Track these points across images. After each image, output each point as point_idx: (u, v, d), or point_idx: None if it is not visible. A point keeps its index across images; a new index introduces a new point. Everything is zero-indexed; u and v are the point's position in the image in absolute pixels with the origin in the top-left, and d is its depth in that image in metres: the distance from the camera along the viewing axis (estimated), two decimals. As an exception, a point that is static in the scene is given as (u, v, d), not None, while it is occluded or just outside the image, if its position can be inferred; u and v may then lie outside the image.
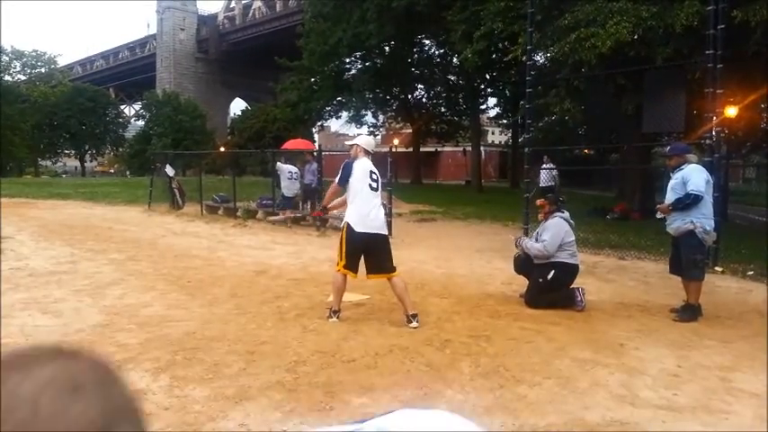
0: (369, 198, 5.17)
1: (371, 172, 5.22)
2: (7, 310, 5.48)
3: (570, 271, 5.93)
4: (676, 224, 5.53)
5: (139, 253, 9.27)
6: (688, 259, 5.49)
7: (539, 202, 6.38)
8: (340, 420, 3.15)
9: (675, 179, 5.60)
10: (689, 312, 5.45)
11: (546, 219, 6.12)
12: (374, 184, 5.18)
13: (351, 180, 5.19)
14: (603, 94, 10.84)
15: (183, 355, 4.22)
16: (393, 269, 5.15)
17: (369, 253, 5.15)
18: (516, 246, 6.34)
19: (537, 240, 6.04)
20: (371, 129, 43.56)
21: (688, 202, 5.39)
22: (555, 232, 5.90)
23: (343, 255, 5.16)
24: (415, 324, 5.01)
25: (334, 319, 5.18)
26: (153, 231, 12.50)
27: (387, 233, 5.19)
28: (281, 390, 3.59)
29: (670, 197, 5.61)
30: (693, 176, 5.45)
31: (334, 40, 28.50)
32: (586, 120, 11.60)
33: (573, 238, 6.04)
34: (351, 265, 5.16)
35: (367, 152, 5.36)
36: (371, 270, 5.19)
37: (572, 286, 5.89)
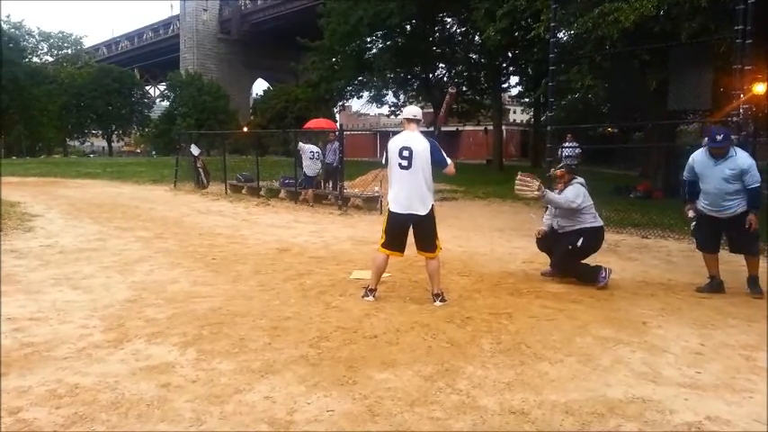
0: (399, 177, 5.04)
1: (402, 149, 4.99)
2: (39, 286, 5.65)
3: (597, 234, 5.95)
4: (734, 208, 5.40)
5: (166, 231, 9.43)
6: (753, 236, 5.50)
7: (558, 172, 6.28)
8: (363, 395, 3.21)
9: (732, 170, 5.33)
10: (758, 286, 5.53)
11: (565, 186, 6.03)
12: (404, 162, 4.96)
13: (388, 160, 5.11)
14: (627, 70, 10.62)
15: (209, 330, 4.32)
16: (433, 250, 5.11)
17: (414, 232, 5.14)
18: (539, 192, 5.94)
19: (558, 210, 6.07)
20: (392, 108, 43.43)
21: (760, 196, 5.30)
22: (576, 191, 5.87)
23: (384, 234, 5.18)
24: (438, 303, 5.06)
25: (370, 297, 5.18)
26: (179, 210, 12.70)
27: (425, 213, 5.01)
28: (304, 364, 3.67)
29: (726, 188, 5.38)
30: (752, 167, 5.33)
31: (356, 19, 28.30)
32: (609, 97, 11.42)
33: (591, 201, 6.01)
34: (390, 245, 5.13)
35: (411, 121, 5.14)
36: (418, 247, 5.18)
37: (600, 265, 5.88)
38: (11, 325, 4.39)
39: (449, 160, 5.14)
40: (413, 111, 5.29)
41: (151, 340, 4.10)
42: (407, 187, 5.01)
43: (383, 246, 5.17)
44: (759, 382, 3.48)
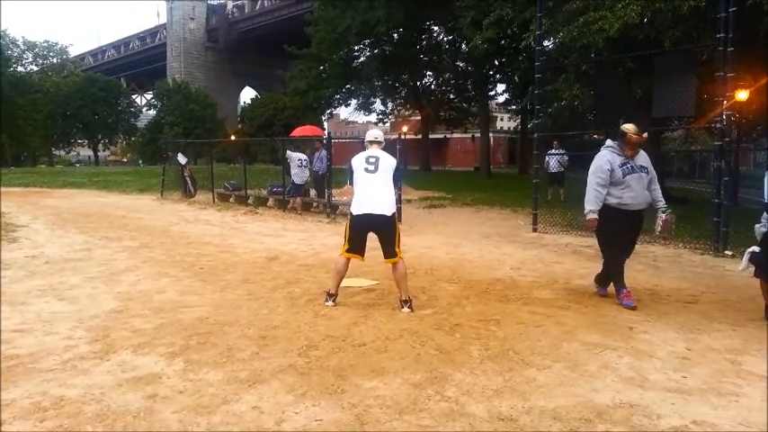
0: (365, 180, 5.19)
1: (368, 157, 5.25)
2: (24, 297, 5.59)
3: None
4: None
5: (153, 240, 9.37)
6: None
7: (640, 137, 5.19)
8: (352, 403, 3.21)
9: None
10: None
11: (637, 152, 5.25)
12: (370, 167, 5.17)
13: (354, 173, 5.31)
14: (613, 78, 10.75)
15: (196, 340, 4.29)
16: (395, 254, 5.14)
17: (377, 235, 5.19)
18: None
19: (648, 177, 5.29)
20: (380, 116, 43.58)
21: None
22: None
23: (346, 239, 5.24)
24: (406, 309, 5.05)
25: (330, 303, 5.23)
26: (166, 219, 12.63)
27: (390, 214, 5.11)
28: (293, 373, 3.65)
29: None
30: None
31: (343, 28, 28.44)
32: (595, 105, 11.55)
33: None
34: (354, 249, 5.20)
35: (372, 143, 5.41)
36: (384, 254, 5.23)
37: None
38: (-5, 337, 4.34)
39: (399, 183, 5.41)
40: (376, 134, 5.54)
41: (138, 351, 4.07)
42: (373, 189, 5.15)
43: (347, 251, 5.22)
44: (745, 386, 3.50)
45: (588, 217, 5.25)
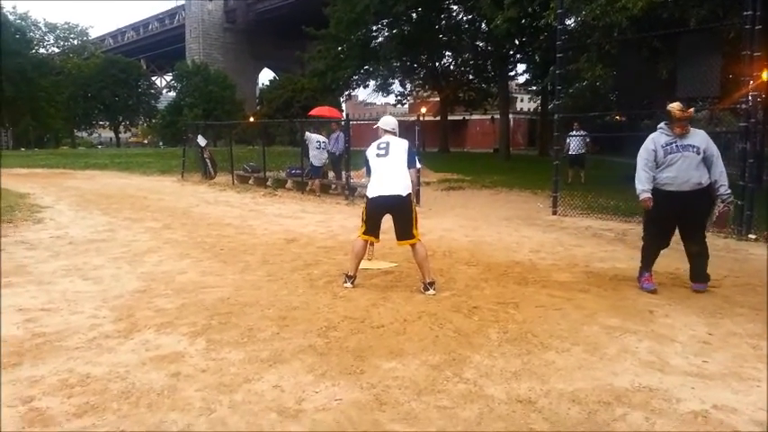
0: (377, 165, 5.27)
1: (380, 143, 5.34)
2: (50, 277, 5.71)
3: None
4: None
5: (174, 221, 9.48)
6: None
7: (684, 112, 4.98)
8: (370, 383, 3.24)
9: None
10: None
11: (687, 131, 5.02)
12: (382, 152, 5.27)
13: (368, 163, 5.39)
14: (636, 58, 10.55)
15: (218, 320, 4.35)
16: (412, 236, 5.16)
17: (393, 217, 5.22)
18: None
19: (704, 155, 4.98)
20: (399, 97, 43.32)
21: None
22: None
23: (363, 221, 5.30)
24: (431, 292, 5.06)
25: (349, 284, 5.27)
26: (187, 200, 12.76)
27: (405, 194, 5.13)
28: (312, 354, 3.69)
29: None
30: None
31: (361, 8, 28.20)
32: (618, 85, 11.36)
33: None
34: (370, 231, 5.27)
35: (386, 131, 5.46)
36: (397, 236, 5.25)
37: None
38: (23, 315, 4.44)
39: (419, 165, 5.48)
40: (390, 123, 5.55)
41: (161, 330, 4.14)
42: (385, 172, 5.21)
43: (364, 233, 5.29)
44: (766, 371, 3.47)
45: (641, 197, 5.10)
